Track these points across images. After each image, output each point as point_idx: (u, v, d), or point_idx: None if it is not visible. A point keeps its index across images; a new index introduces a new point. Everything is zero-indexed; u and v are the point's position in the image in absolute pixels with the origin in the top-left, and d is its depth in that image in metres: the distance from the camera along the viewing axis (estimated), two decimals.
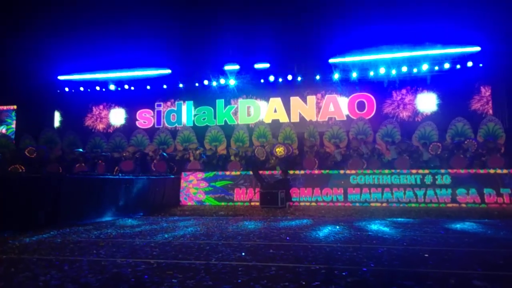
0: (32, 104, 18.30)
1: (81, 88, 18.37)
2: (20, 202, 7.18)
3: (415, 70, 15.59)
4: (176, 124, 18.08)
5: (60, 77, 18.27)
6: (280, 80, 16.77)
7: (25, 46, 16.60)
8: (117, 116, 18.91)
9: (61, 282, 3.75)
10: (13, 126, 19.40)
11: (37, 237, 6.54)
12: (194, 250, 5.33)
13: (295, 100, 17.11)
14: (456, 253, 5.03)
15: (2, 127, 19.52)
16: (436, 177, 11.09)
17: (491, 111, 15.26)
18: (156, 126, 18.13)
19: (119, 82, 18.17)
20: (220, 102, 17.77)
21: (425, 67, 15.36)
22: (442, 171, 11.21)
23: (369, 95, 16.48)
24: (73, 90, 18.51)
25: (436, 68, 15.44)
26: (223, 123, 17.44)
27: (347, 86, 16.45)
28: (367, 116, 16.11)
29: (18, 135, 18.05)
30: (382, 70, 15.67)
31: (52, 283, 3.74)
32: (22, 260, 4.73)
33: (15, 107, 19.54)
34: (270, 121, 16.99)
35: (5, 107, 19.64)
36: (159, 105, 18.52)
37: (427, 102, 15.98)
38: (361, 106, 16.46)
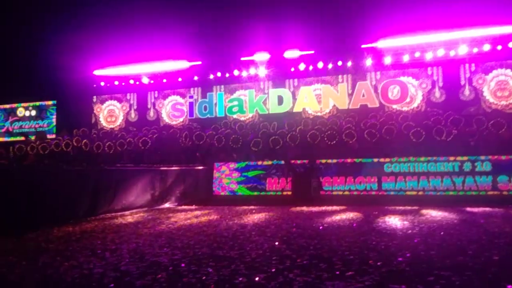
0: (71, 98, 19.04)
1: (116, 82, 18.97)
2: (62, 193, 7.52)
3: (452, 53, 15.02)
4: (208, 115, 18.25)
5: (96, 72, 18.87)
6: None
7: (63, 42, 17.24)
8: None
9: (104, 270, 3.93)
10: (54, 120, 20.29)
11: (79, 227, 6.87)
12: (228, 240, 5.43)
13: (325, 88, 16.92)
14: (496, 243, 4.86)
15: (44, 121, 20.45)
16: (476, 164, 10.67)
17: None
18: (189, 117, 18.46)
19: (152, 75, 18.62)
20: (251, 92, 17.81)
21: (463, 48, 14.77)
22: (482, 157, 10.78)
23: (403, 80, 16.03)
24: (108, 85, 19.12)
25: (475, 50, 14.79)
26: (254, 113, 17.56)
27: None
28: (401, 102, 15.80)
29: (59, 129, 18.88)
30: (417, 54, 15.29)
31: (95, 270, 3.93)
32: (67, 249, 4.98)
33: (55, 102, 20.40)
34: (301, 110, 16.95)
35: (44, 102, 20.55)
36: (191, 97, 18.73)
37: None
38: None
